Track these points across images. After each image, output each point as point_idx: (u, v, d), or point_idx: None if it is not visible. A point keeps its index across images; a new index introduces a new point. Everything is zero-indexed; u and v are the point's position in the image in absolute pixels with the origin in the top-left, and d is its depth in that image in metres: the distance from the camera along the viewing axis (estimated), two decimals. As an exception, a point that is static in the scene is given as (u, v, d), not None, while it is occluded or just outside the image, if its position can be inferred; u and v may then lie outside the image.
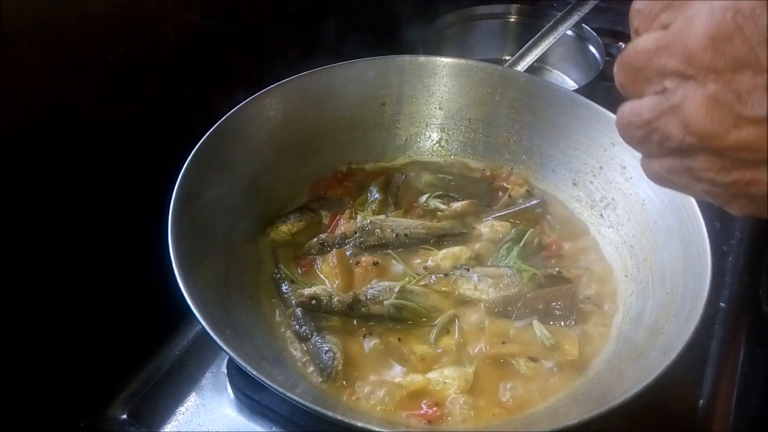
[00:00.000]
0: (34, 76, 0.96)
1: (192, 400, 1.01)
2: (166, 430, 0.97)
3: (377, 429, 0.67)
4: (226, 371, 1.02)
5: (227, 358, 1.03)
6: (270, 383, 0.71)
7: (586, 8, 1.53)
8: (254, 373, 0.72)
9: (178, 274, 0.81)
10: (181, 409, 1.00)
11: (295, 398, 0.69)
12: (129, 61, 1.09)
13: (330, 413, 0.68)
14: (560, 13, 1.52)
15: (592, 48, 1.68)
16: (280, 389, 0.71)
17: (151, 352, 1.08)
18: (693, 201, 0.93)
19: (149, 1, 1.10)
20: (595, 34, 1.64)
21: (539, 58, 1.44)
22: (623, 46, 1.79)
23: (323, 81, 1.14)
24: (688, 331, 0.76)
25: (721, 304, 1.17)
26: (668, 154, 0.52)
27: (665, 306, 0.87)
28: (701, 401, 1.02)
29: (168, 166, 0.94)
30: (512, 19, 1.80)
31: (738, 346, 1.14)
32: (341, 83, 1.16)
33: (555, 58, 1.72)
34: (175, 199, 0.89)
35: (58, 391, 1.01)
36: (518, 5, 1.78)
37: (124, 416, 1.00)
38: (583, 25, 1.66)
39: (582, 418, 0.68)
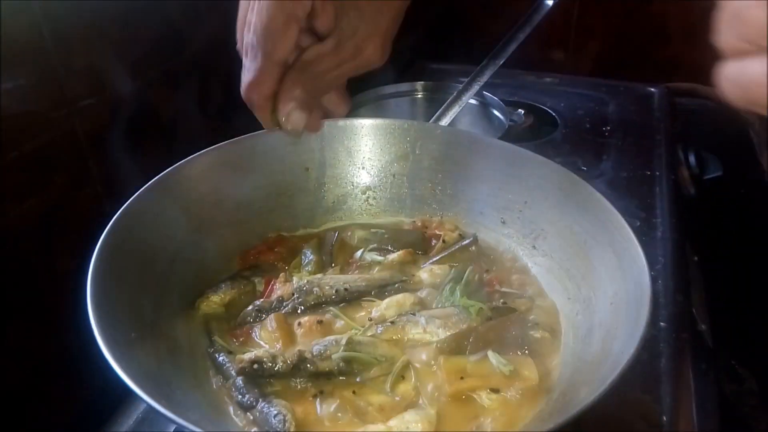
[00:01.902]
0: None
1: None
2: None
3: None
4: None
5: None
6: None
7: (484, 77, 1.64)
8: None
9: (106, 352, 0.73)
10: None
11: None
12: (34, 156, 1.04)
13: None
14: (461, 85, 1.62)
15: (495, 112, 1.80)
16: None
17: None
18: (615, 212, 0.96)
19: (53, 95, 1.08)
20: (497, 98, 1.76)
21: (449, 125, 1.51)
22: (522, 112, 1.93)
23: (243, 149, 1.14)
24: (639, 329, 0.76)
25: (662, 324, 1.19)
26: None
27: (613, 315, 0.87)
28: (664, 417, 1.01)
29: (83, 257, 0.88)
30: (419, 95, 1.90)
31: (686, 361, 1.16)
32: (262, 150, 1.15)
33: (463, 125, 1.82)
34: (91, 285, 0.82)
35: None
36: (422, 82, 1.89)
37: None
38: (485, 93, 1.78)
39: (547, 429, 0.64)
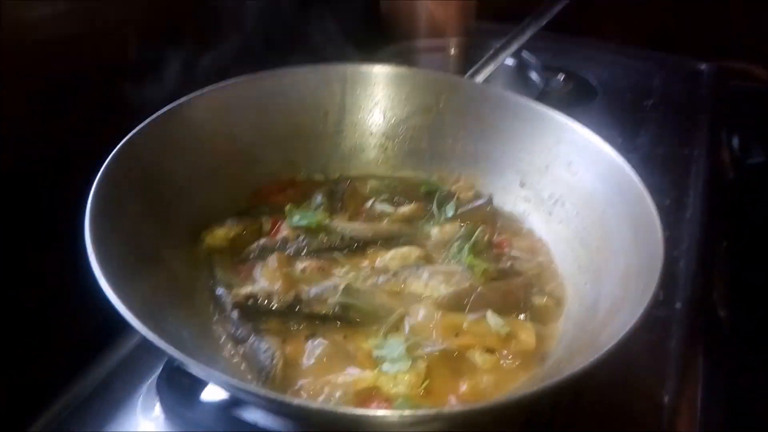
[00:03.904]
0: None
1: (118, 425, 0.90)
2: (84, 458, 0.86)
3: (313, 406, 0.59)
4: (156, 391, 0.92)
5: (156, 378, 0.93)
6: (210, 371, 0.63)
7: (524, 37, 1.57)
8: (191, 361, 0.63)
9: (103, 280, 0.73)
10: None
11: (243, 385, 0.61)
12: (56, 80, 1.04)
13: (279, 397, 0.60)
14: (500, 43, 1.56)
15: (532, 75, 1.73)
16: (226, 378, 0.62)
17: (72, 374, 0.97)
18: (639, 184, 0.92)
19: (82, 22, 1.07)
20: (535, 59, 1.69)
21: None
22: (561, 78, 1.85)
23: (262, 87, 1.11)
24: (645, 300, 0.73)
25: (677, 305, 1.15)
26: None
27: (621, 287, 0.84)
28: (666, 399, 0.98)
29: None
30: (452, 52, 1.84)
31: (698, 346, 1.12)
32: (282, 90, 1.13)
33: (496, 86, 1.76)
34: (92, 204, 0.82)
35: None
36: (458, 38, 1.82)
37: (40, 448, 0.88)
38: (523, 53, 1.71)
39: (532, 390, 0.62)
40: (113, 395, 0.94)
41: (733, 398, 1.13)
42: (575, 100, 1.81)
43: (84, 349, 0.99)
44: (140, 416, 0.91)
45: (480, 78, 1.41)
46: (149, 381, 0.95)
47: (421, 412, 0.62)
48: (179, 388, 0.89)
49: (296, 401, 0.59)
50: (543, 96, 1.65)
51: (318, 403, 0.60)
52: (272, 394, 0.60)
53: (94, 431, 0.89)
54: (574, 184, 1.04)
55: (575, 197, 1.03)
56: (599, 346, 0.72)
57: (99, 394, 0.95)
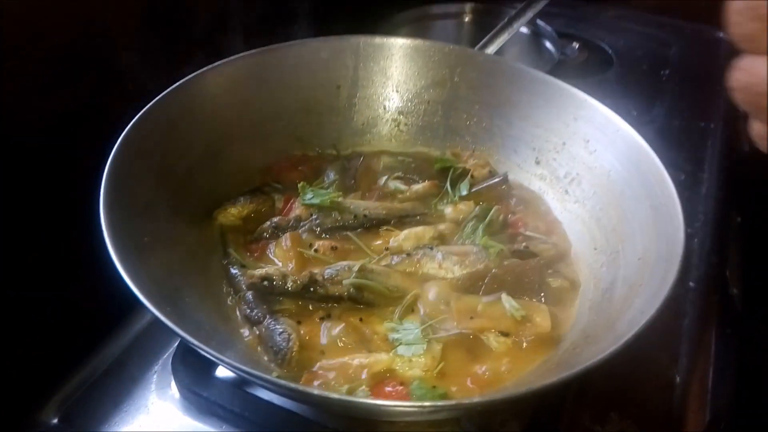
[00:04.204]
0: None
1: (132, 402, 0.91)
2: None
3: (334, 396, 0.59)
4: (171, 368, 0.93)
5: (171, 355, 0.94)
6: (219, 356, 0.63)
7: (539, 4, 1.52)
8: (202, 346, 0.64)
9: (116, 258, 0.73)
10: (120, 411, 0.90)
11: (246, 369, 0.61)
12: (65, 51, 1.01)
13: (291, 384, 0.60)
14: (515, 11, 1.51)
15: (547, 43, 1.69)
16: (229, 361, 0.62)
17: (87, 351, 0.98)
18: (659, 164, 0.90)
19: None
20: (550, 28, 1.65)
21: (495, 53, 1.42)
22: (576, 46, 1.81)
23: (274, 60, 1.09)
24: (664, 289, 0.72)
25: (691, 283, 1.14)
26: None
27: (638, 271, 0.83)
28: (678, 378, 0.98)
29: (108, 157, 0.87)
30: (467, 18, 1.79)
31: (710, 325, 1.12)
32: (293, 63, 1.10)
33: (510, 55, 1.72)
34: (106, 182, 0.81)
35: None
36: (472, 4, 1.78)
37: (56, 421, 0.89)
38: (538, 21, 1.66)
39: (552, 380, 0.62)
40: (128, 372, 0.96)
41: (742, 376, 1.13)
42: (590, 69, 1.77)
43: (98, 326, 1.00)
44: (155, 394, 0.92)
45: (494, 47, 1.38)
46: (164, 357, 0.97)
47: (441, 402, 0.62)
48: (194, 366, 0.89)
49: (316, 392, 0.59)
50: (557, 65, 1.61)
51: (337, 393, 0.60)
52: (293, 385, 0.60)
53: (109, 409, 0.90)
54: (591, 162, 1.02)
55: (592, 176, 1.01)
56: (617, 334, 0.71)
57: (114, 371, 0.96)
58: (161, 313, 0.67)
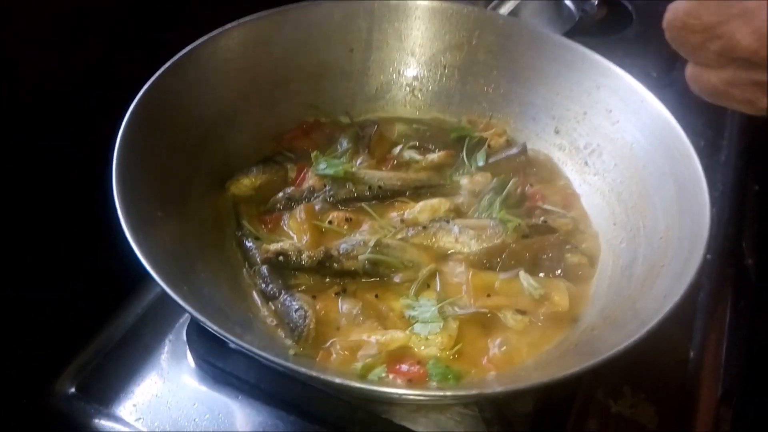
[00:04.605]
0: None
1: (148, 371, 0.92)
2: (119, 403, 0.88)
3: (355, 384, 0.59)
4: (185, 338, 0.93)
5: (186, 324, 0.94)
6: (236, 340, 0.63)
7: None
8: (218, 329, 0.63)
9: (128, 232, 0.72)
10: (136, 380, 0.91)
11: (265, 355, 0.61)
12: (75, 13, 0.97)
13: (303, 369, 0.60)
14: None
15: (567, 1, 1.62)
16: (248, 346, 0.62)
17: (101, 320, 0.98)
18: (686, 139, 0.87)
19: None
20: (570, -15, 1.58)
21: (512, 11, 1.37)
22: (596, 2, 1.73)
23: (285, 22, 1.04)
24: (689, 272, 0.71)
25: (708, 256, 1.12)
26: (729, 64, 0.44)
27: (660, 251, 0.81)
28: (691, 353, 0.98)
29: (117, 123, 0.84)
30: (484, -27, 1.72)
31: (725, 298, 1.11)
32: (305, 26, 1.06)
33: (528, 12, 1.65)
34: (119, 151, 0.79)
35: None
36: (489, -43, 1.70)
37: (72, 390, 0.90)
38: (558, -23, 1.59)
39: (575, 369, 0.61)
40: (142, 341, 0.96)
41: (755, 349, 1.13)
42: (609, 26, 1.71)
43: (111, 296, 1.00)
44: (170, 362, 0.93)
45: (510, 4, 1.32)
46: (177, 325, 0.97)
47: (461, 391, 0.62)
48: (209, 336, 0.89)
49: (338, 379, 0.58)
50: (577, 24, 1.55)
51: (358, 380, 0.59)
52: (313, 372, 0.60)
53: (124, 378, 0.91)
54: (613, 134, 0.99)
55: (614, 148, 0.99)
56: (639, 318, 0.70)
57: (128, 340, 0.96)
58: (175, 293, 0.67)
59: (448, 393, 0.59)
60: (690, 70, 0.51)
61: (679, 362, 0.97)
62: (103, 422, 0.87)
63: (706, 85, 0.50)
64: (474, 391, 0.58)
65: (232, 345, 0.63)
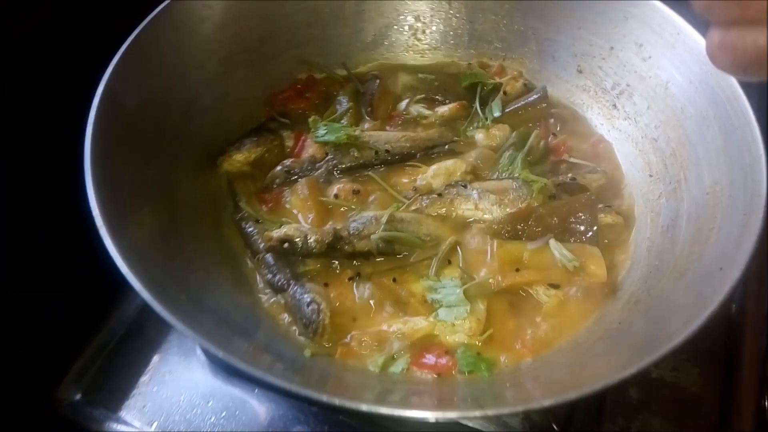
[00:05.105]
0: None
1: (155, 367, 0.86)
2: (129, 407, 0.83)
3: (390, 411, 0.53)
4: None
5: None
6: (240, 363, 0.56)
7: None
8: (221, 352, 0.56)
9: (104, 230, 0.63)
10: (143, 379, 0.85)
11: (277, 382, 0.54)
12: None
13: (317, 395, 0.53)
14: None
15: None
16: (253, 369, 0.55)
17: (99, 315, 0.92)
18: (732, 80, 0.76)
19: None
20: None
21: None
22: None
23: (266, -34, 0.91)
24: (749, 239, 0.62)
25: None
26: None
27: (708, 209, 0.73)
28: (733, 307, 0.91)
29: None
30: None
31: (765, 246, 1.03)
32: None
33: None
34: (92, 134, 0.70)
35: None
36: None
37: (78, 396, 0.85)
38: None
39: (638, 365, 0.54)
40: (145, 335, 0.89)
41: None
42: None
43: (110, 292, 0.92)
44: (178, 356, 0.87)
45: None
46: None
47: (507, 408, 0.55)
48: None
49: (365, 406, 0.52)
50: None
51: (389, 405, 0.53)
52: (337, 401, 0.53)
53: (131, 376, 0.85)
54: (644, 71, 0.88)
55: (646, 88, 0.88)
56: (693, 293, 0.63)
57: (130, 335, 0.90)
58: (169, 309, 0.59)
59: (490, 412, 0.52)
60: (712, 37, 0.43)
61: (719, 318, 0.90)
62: (113, 428, 0.82)
63: (732, 49, 0.42)
64: (519, 408, 0.51)
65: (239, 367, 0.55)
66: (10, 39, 0.85)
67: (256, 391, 0.83)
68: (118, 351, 0.89)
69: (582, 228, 0.80)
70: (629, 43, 0.89)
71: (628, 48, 0.90)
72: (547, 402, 0.52)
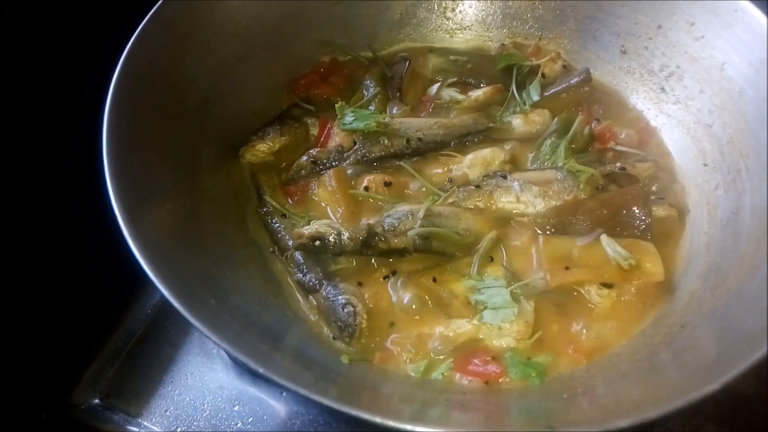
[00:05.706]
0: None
1: (176, 370, 0.82)
2: (150, 411, 0.78)
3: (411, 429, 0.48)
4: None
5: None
6: (273, 375, 0.51)
7: None
8: (252, 364, 0.51)
9: (124, 224, 0.59)
10: (164, 381, 0.80)
11: (312, 396, 0.50)
12: None
13: (355, 411, 0.49)
14: None
15: None
16: (287, 383, 0.50)
17: (116, 314, 0.87)
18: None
19: None
20: None
21: None
22: None
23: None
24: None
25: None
26: None
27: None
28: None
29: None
30: None
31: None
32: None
33: None
34: (108, 126, 0.65)
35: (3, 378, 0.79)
36: None
37: (96, 400, 0.80)
38: None
39: (725, 378, 0.49)
40: (164, 335, 0.85)
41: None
42: None
43: (126, 288, 0.88)
44: (200, 357, 0.82)
45: None
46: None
47: (580, 428, 0.50)
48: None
49: (408, 427, 0.47)
50: None
51: (444, 426, 0.48)
52: (380, 420, 0.48)
53: (152, 377, 0.81)
54: (696, 52, 0.82)
55: (698, 70, 0.82)
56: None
57: (149, 335, 0.85)
58: (200, 319, 0.54)
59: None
60: None
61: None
62: (135, 433, 0.78)
63: None
64: (596, 429, 0.46)
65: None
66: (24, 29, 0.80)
67: (284, 394, 0.78)
68: (137, 352, 0.84)
69: (635, 222, 0.74)
70: (679, 21, 0.83)
71: (677, 27, 0.83)
72: (623, 422, 0.47)
